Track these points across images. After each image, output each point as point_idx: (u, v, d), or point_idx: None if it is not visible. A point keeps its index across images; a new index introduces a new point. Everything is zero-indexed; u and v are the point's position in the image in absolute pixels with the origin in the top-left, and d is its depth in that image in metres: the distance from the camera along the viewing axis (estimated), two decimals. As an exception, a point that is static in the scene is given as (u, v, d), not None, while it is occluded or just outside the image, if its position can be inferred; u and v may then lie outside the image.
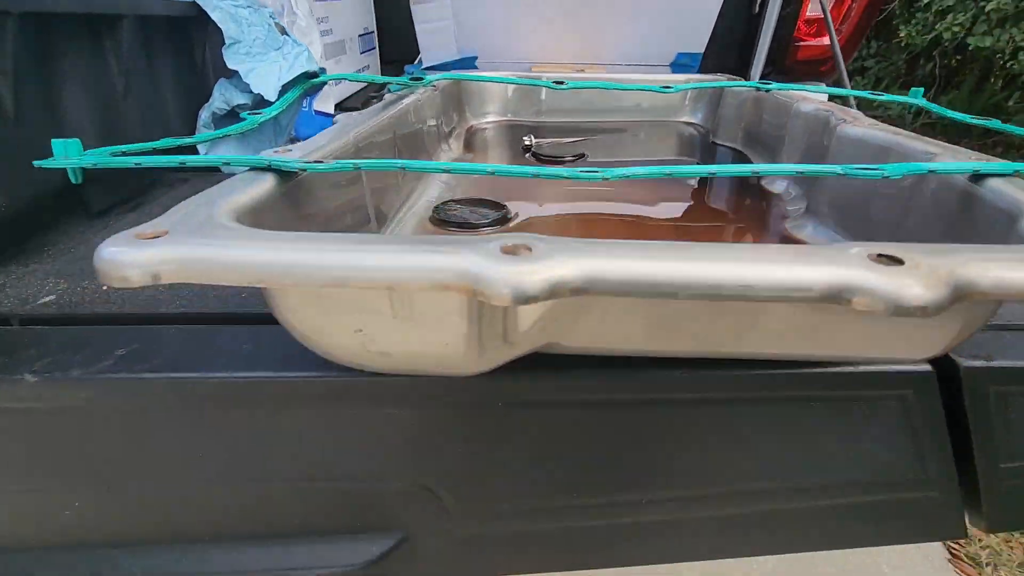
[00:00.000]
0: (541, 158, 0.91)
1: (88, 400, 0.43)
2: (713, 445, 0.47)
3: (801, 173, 0.37)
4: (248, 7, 0.81)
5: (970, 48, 3.79)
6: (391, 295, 0.29)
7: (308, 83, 0.82)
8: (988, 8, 3.60)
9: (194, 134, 0.81)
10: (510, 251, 0.25)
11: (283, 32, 0.84)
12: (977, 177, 0.38)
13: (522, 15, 1.23)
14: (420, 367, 0.34)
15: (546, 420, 0.45)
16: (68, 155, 0.40)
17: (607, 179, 0.35)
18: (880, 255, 0.25)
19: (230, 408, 0.43)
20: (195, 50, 0.82)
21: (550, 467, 0.47)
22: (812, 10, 1.25)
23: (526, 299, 0.24)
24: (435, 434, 0.45)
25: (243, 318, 0.50)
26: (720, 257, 0.25)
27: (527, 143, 0.94)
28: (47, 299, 0.51)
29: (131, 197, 0.73)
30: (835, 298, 0.24)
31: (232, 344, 0.46)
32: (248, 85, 0.79)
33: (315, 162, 0.37)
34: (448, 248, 0.25)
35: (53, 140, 0.40)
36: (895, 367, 0.44)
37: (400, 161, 0.37)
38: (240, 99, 0.80)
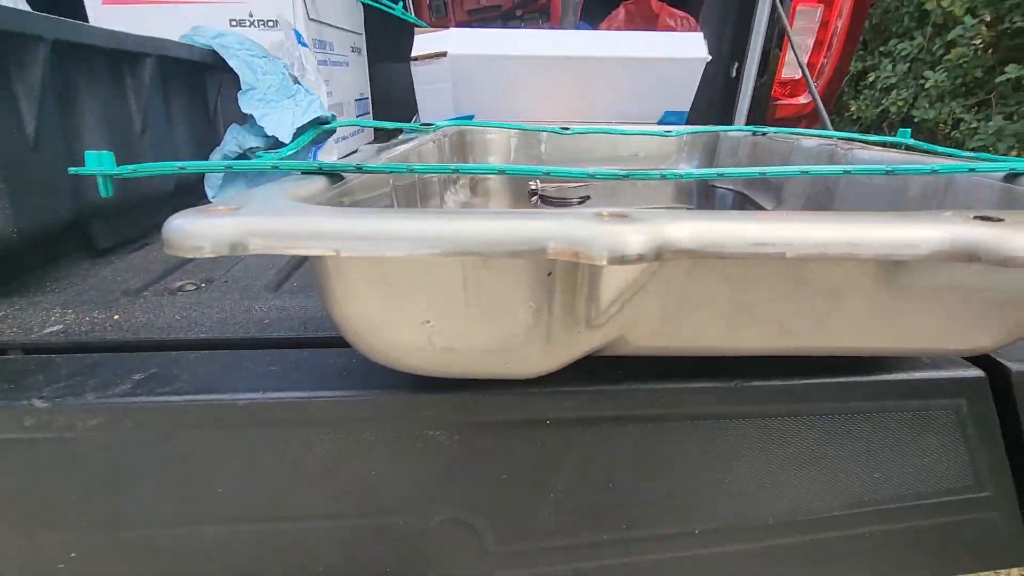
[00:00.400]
0: (548, 200, 0.93)
1: (104, 428, 0.39)
2: (765, 468, 0.45)
3: (848, 172, 0.37)
4: (264, 57, 0.83)
5: (915, 120, 4.09)
6: (466, 277, 0.28)
7: (320, 128, 0.83)
8: (927, 85, 3.93)
9: (203, 179, 0.81)
10: (608, 217, 0.24)
11: (295, 82, 0.86)
12: (1012, 176, 0.39)
13: (517, 77, 1.29)
14: (484, 365, 0.32)
15: (595, 439, 0.42)
16: (102, 166, 0.38)
17: (665, 178, 0.35)
18: (976, 216, 0.25)
19: (261, 433, 0.40)
20: (208, 96, 0.83)
21: (600, 495, 0.43)
22: (787, 73, 1.35)
23: (634, 257, 0.23)
24: (477, 459, 0.42)
25: (266, 343, 0.47)
26: (824, 220, 0.24)
27: (533, 187, 0.95)
28: (54, 328, 0.48)
29: (137, 237, 0.71)
30: (947, 254, 0.23)
31: (258, 367, 0.43)
32: (261, 129, 0.80)
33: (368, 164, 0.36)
34: (541, 215, 0.24)
35: (87, 152, 0.39)
36: (947, 373, 0.44)
37: (453, 165, 0.36)
38: (252, 142, 0.80)
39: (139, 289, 0.56)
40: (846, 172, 0.37)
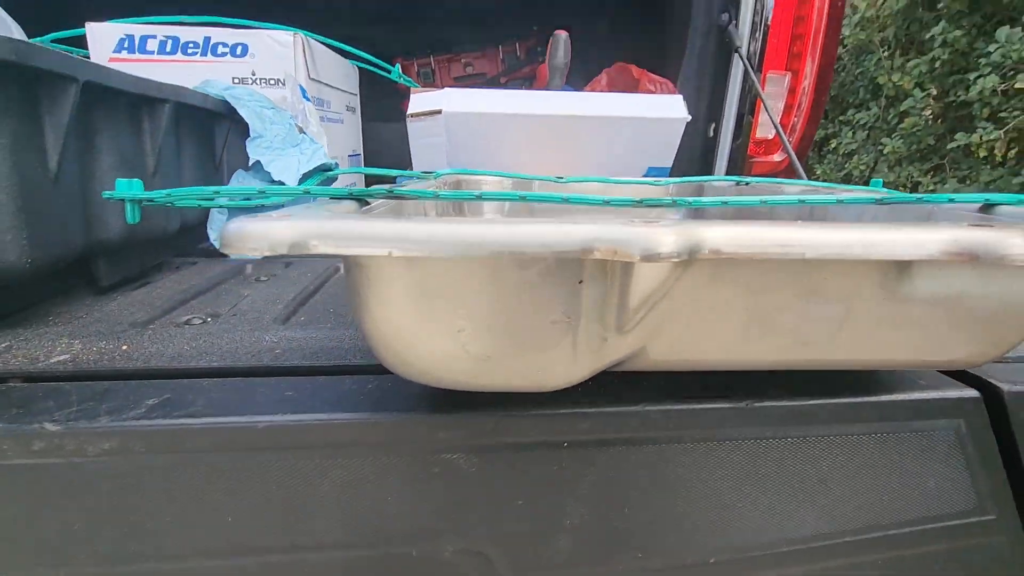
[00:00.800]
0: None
1: (116, 452, 0.38)
2: (777, 491, 0.45)
3: (841, 202, 0.40)
4: (272, 108, 0.87)
5: (877, 183, 4.32)
6: (502, 285, 0.29)
7: (324, 175, 0.86)
8: (886, 151, 4.19)
9: (207, 219, 0.82)
10: (640, 223, 0.26)
11: (301, 131, 0.89)
12: (988, 207, 0.43)
13: (508, 134, 1.35)
14: (514, 375, 0.33)
15: (610, 463, 0.42)
16: (132, 191, 0.39)
17: (677, 204, 0.37)
18: (970, 224, 0.27)
19: (280, 458, 0.39)
20: (216, 143, 0.86)
21: (615, 521, 0.43)
22: (761, 133, 1.44)
23: (669, 255, 0.24)
24: (493, 483, 0.42)
25: (280, 371, 0.47)
26: (841, 226, 0.27)
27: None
28: (61, 357, 0.47)
29: (138, 276, 0.71)
30: (951, 254, 0.26)
31: (274, 393, 0.43)
32: (267, 175, 0.82)
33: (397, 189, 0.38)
34: (581, 221, 0.26)
35: (117, 180, 0.40)
36: (945, 394, 0.46)
37: (476, 192, 0.39)
38: (258, 186, 0.82)
39: (145, 322, 0.56)
40: (839, 201, 0.40)
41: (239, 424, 0.39)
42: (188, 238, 0.84)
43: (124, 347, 0.50)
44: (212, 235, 0.81)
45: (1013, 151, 3.73)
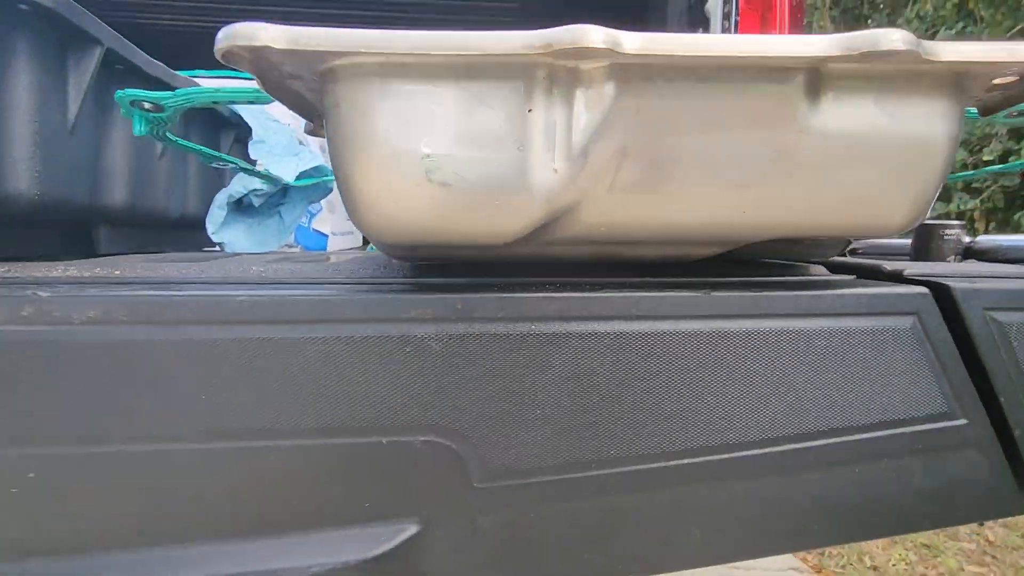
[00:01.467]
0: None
1: (100, 321, 0.40)
2: (732, 389, 0.45)
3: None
4: (275, 121, 0.95)
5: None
6: (461, 110, 0.33)
7: (323, 177, 0.92)
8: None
9: (207, 213, 0.87)
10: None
11: (301, 143, 0.97)
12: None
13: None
14: (472, 216, 0.36)
15: (575, 350, 0.43)
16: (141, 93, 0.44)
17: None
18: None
19: (255, 333, 0.41)
20: (221, 144, 0.93)
21: (579, 410, 0.43)
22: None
23: (598, 44, 0.29)
24: (462, 369, 0.42)
25: (267, 282, 0.50)
26: (741, 37, 0.31)
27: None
28: (58, 273, 0.50)
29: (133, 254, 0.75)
30: (841, 49, 0.30)
31: (257, 288, 0.46)
32: (267, 174, 0.88)
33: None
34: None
35: (124, 91, 0.45)
36: (893, 290, 0.47)
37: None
38: (257, 185, 0.87)
39: (139, 263, 0.59)
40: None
41: (220, 295, 0.41)
42: (186, 238, 0.89)
43: (117, 272, 0.52)
44: (211, 229, 0.86)
45: (992, 223, 3.89)
